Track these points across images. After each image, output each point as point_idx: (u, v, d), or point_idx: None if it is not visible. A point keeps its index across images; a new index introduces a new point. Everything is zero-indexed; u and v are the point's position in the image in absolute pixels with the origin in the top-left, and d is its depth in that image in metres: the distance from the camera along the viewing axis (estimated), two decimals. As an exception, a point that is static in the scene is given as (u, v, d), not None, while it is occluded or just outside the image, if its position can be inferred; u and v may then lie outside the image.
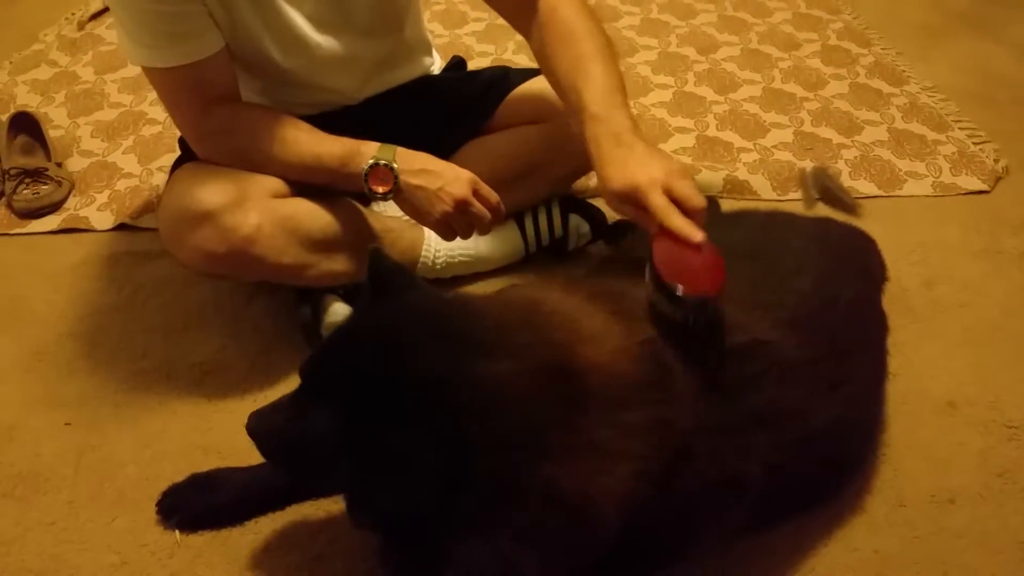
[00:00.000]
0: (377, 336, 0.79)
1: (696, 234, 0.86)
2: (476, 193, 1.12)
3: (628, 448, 0.77)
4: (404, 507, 0.74)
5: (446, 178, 1.11)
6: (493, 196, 1.14)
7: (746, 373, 0.87)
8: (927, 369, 1.24)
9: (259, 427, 0.83)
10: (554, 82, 1.10)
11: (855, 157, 1.70)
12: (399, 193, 1.12)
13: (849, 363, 0.98)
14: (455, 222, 1.13)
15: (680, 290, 0.82)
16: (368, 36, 1.24)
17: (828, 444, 0.93)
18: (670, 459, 0.79)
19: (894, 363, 1.15)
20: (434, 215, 1.12)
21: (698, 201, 0.88)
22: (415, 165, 1.11)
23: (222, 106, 1.14)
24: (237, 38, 1.14)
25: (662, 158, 0.93)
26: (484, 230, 1.16)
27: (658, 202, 0.88)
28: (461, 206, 1.11)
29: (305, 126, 1.15)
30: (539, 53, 1.13)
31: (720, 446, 0.84)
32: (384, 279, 0.84)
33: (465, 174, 1.13)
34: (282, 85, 1.24)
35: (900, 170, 1.66)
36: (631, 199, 0.90)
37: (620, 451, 0.77)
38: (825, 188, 1.57)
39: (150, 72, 1.12)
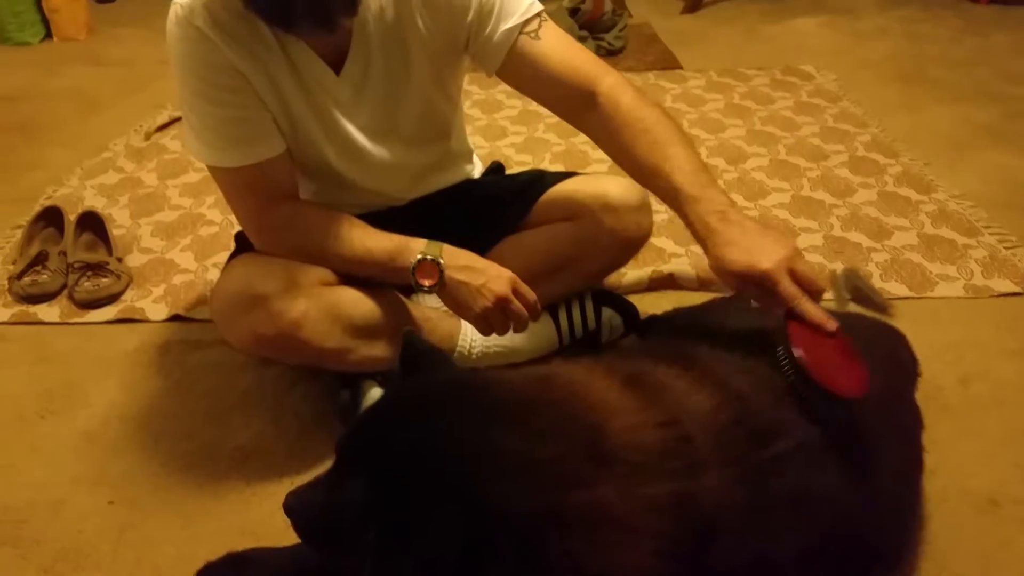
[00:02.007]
0: (405, 410, 0.82)
1: (831, 323, 0.89)
2: (515, 291, 1.18)
3: (650, 523, 0.78)
4: (429, 577, 0.75)
5: (488, 275, 1.17)
6: (531, 295, 1.19)
7: (773, 453, 0.88)
8: (967, 466, 1.22)
9: (295, 503, 0.84)
10: (633, 170, 1.15)
11: (885, 260, 1.73)
12: (444, 287, 1.17)
13: (881, 452, 0.98)
14: (494, 318, 1.18)
15: (832, 393, 0.83)
16: (416, 146, 1.33)
17: (861, 532, 0.92)
18: (695, 536, 0.80)
19: (932, 460, 1.14)
20: (475, 310, 1.17)
21: (820, 284, 0.92)
22: (460, 261, 1.18)
23: (282, 203, 1.22)
24: (298, 143, 1.24)
25: (777, 237, 0.97)
26: (520, 328, 1.21)
27: (790, 289, 0.91)
28: (501, 303, 1.16)
29: (358, 223, 1.22)
30: (610, 145, 1.17)
31: (747, 526, 0.84)
32: (416, 359, 0.88)
33: (506, 273, 1.18)
34: (335, 187, 1.33)
35: (931, 272, 1.69)
36: (754, 281, 0.94)
37: (642, 526, 0.78)
38: (856, 289, 1.59)
39: (216, 171, 1.20)
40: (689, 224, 1.04)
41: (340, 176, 1.30)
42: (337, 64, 1.19)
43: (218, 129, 1.16)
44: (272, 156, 1.19)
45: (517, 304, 1.17)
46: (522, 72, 1.20)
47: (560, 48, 1.20)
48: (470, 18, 1.18)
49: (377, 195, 1.36)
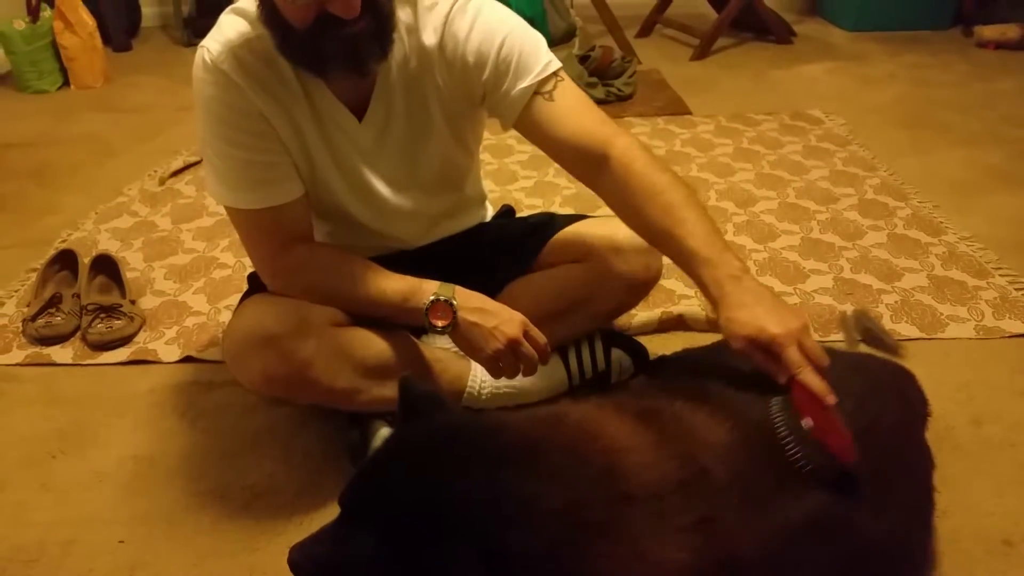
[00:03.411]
0: (411, 457, 0.81)
1: (831, 396, 0.92)
2: (526, 334, 1.19)
3: (673, 558, 0.78)
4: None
5: (501, 318, 1.18)
6: (542, 339, 1.20)
7: (787, 485, 0.87)
8: (979, 507, 1.21)
9: (301, 559, 0.82)
10: (646, 233, 1.16)
11: (896, 302, 1.73)
12: (456, 328, 1.18)
13: (893, 489, 0.97)
14: (505, 360, 1.19)
15: (832, 458, 0.87)
16: (432, 194, 1.35)
17: (873, 567, 0.92)
18: (718, 569, 0.79)
19: (944, 500, 1.13)
20: (486, 351, 1.18)
21: (825, 359, 0.95)
22: (473, 303, 1.19)
23: (297, 246, 1.24)
24: (316, 188, 1.26)
25: (790, 310, 0.99)
26: (530, 371, 1.21)
27: (795, 357, 0.94)
28: (512, 345, 1.17)
29: (372, 264, 1.23)
30: (623, 207, 1.17)
31: (767, 560, 0.83)
32: (414, 404, 0.87)
33: (518, 316, 1.19)
34: (350, 230, 1.34)
35: (942, 314, 1.68)
36: (762, 347, 0.96)
37: (665, 561, 0.77)
38: (867, 330, 1.59)
39: (233, 212, 1.22)
40: (703, 286, 1.05)
41: (356, 220, 1.32)
42: (360, 111, 1.22)
43: (240, 172, 1.18)
44: (291, 200, 1.21)
45: (528, 347, 1.18)
46: (535, 131, 1.20)
47: (574, 110, 1.19)
48: (486, 75, 1.18)
49: (391, 239, 1.38)
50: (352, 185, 1.27)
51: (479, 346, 1.18)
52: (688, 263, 1.07)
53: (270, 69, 1.15)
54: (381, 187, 1.29)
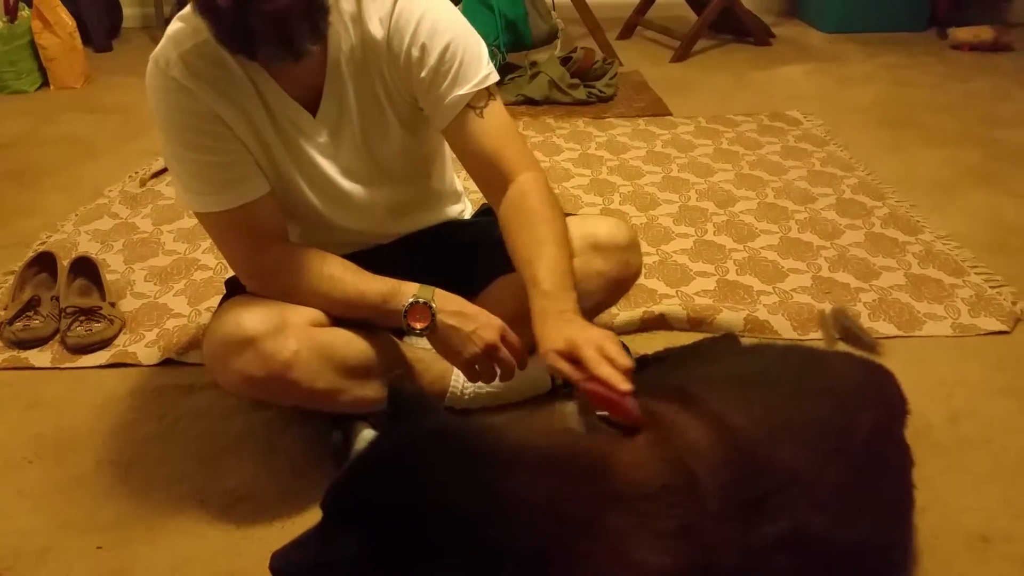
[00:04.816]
0: (397, 459, 0.81)
1: (623, 383, 0.92)
2: (504, 339, 1.19)
3: (656, 559, 0.78)
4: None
5: (479, 322, 1.19)
6: (519, 344, 1.21)
7: (767, 489, 0.88)
8: (957, 503, 1.22)
9: (283, 565, 0.81)
10: (512, 254, 1.20)
11: (873, 300, 1.75)
12: (435, 331, 1.18)
13: (872, 489, 0.98)
14: (482, 364, 1.20)
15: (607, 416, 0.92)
16: (394, 184, 1.35)
17: (853, 569, 0.92)
18: (698, 572, 0.79)
19: (922, 497, 1.14)
20: (464, 355, 1.19)
21: (626, 361, 0.96)
22: (452, 307, 1.19)
23: (272, 246, 1.24)
24: (282, 186, 1.26)
25: (597, 329, 1.02)
26: (506, 376, 1.22)
27: (591, 355, 0.96)
28: (490, 350, 1.18)
29: (351, 266, 1.24)
30: (504, 226, 1.22)
31: (746, 563, 0.84)
32: (404, 406, 0.87)
33: (496, 321, 1.20)
34: (319, 228, 1.34)
35: (919, 312, 1.70)
36: (567, 355, 0.99)
37: (648, 561, 0.78)
38: (845, 328, 1.60)
39: (204, 217, 1.22)
40: (533, 313, 1.09)
41: (322, 217, 1.32)
42: (313, 106, 1.22)
43: (202, 175, 1.18)
44: (257, 197, 1.21)
45: (505, 352, 1.19)
46: (457, 141, 1.25)
47: (497, 132, 1.23)
48: (424, 74, 1.20)
49: (362, 234, 1.38)
50: (313, 180, 1.27)
51: (457, 350, 1.19)
52: (531, 290, 1.11)
53: (219, 70, 1.16)
54: (342, 181, 1.29)
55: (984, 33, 3.64)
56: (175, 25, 1.18)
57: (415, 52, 1.19)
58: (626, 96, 3.13)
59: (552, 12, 3.32)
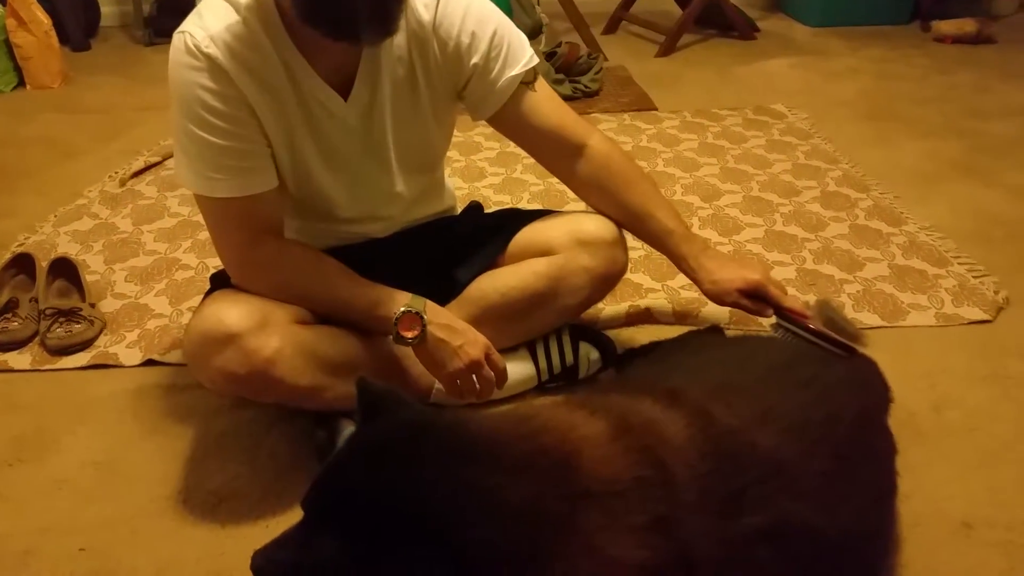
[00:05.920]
0: (370, 458, 0.80)
1: (807, 311, 1.21)
2: (487, 358, 1.21)
3: (629, 554, 0.77)
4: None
5: (466, 338, 1.20)
6: (501, 364, 1.24)
7: (748, 480, 0.88)
8: (940, 491, 1.23)
9: (264, 564, 0.81)
10: (622, 214, 1.34)
11: (858, 291, 1.75)
12: (423, 341, 1.18)
13: (856, 477, 0.98)
14: (464, 379, 1.21)
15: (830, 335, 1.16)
16: (411, 174, 1.34)
17: (836, 557, 0.92)
18: (674, 566, 0.79)
19: (906, 485, 1.14)
20: (448, 368, 1.20)
21: (785, 290, 1.27)
22: (441, 319, 1.20)
23: (268, 241, 1.22)
24: (296, 175, 1.24)
25: (752, 261, 1.21)
26: (486, 394, 1.24)
27: (777, 292, 1.25)
28: (473, 366, 1.20)
29: (345, 269, 1.23)
30: (599, 192, 1.35)
31: (725, 556, 0.83)
32: (373, 403, 0.86)
33: (482, 339, 1.21)
34: (322, 219, 1.32)
35: (903, 302, 1.71)
36: (748, 293, 1.26)
37: (621, 557, 0.77)
38: (829, 319, 1.60)
39: (204, 200, 1.18)
40: (682, 258, 1.30)
41: (332, 207, 1.30)
42: (344, 90, 1.20)
43: (214, 159, 1.14)
44: (264, 191, 1.19)
45: (488, 370, 1.21)
46: (517, 120, 1.29)
47: (555, 103, 1.31)
48: (476, 60, 1.22)
49: (365, 225, 1.36)
50: (332, 163, 1.25)
51: (442, 363, 1.20)
52: (666, 241, 1.31)
53: (256, 53, 1.12)
54: (362, 167, 1.27)
55: (967, 26, 3.66)
56: (209, 2, 1.13)
57: (464, 39, 1.21)
58: (611, 91, 3.12)
59: (536, 7, 3.32)
